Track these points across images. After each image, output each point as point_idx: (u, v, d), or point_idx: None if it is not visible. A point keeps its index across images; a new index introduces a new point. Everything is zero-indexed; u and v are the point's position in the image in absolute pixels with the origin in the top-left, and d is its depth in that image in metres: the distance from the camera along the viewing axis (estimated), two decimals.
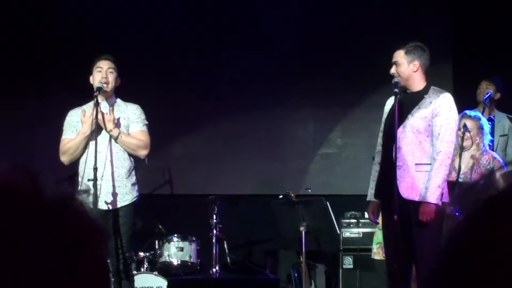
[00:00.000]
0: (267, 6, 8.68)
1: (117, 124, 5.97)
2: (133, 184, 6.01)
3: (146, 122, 6.12)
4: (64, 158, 6.04)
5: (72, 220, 0.91)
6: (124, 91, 6.15)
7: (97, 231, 0.94)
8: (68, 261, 0.88)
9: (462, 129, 6.13)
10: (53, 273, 0.87)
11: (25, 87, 8.40)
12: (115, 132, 5.91)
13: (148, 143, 6.05)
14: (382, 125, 5.82)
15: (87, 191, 0.98)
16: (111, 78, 5.95)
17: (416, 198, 5.46)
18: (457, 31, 8.48)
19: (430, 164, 5.48)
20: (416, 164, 5.50)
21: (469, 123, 6.27)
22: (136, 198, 6.01)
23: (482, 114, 6.82)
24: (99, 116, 5.82)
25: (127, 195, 5.95)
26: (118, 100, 6.12)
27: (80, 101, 6.17)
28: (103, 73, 5.93)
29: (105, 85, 5.88)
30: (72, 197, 0.94)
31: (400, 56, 5.62)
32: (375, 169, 5.81)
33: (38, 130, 8.23)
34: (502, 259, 0.81)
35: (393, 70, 5.64)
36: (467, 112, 6.40)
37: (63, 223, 0.90)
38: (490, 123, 6.78)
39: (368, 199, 5.82)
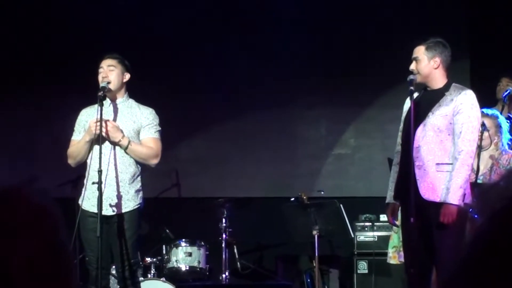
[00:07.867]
0: (281, 1, 8.66)
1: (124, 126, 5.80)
2: (136, 191, 5.81)
3: (159, 129, 5.91)
4: (70, 161, 5.93)
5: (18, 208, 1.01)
6: (129, 92, 6.00)
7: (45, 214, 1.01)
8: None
9: (480, 128, 5.98)
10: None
11: (28, 87, 8.35)
12: (124, 142, 5.72)
13: (159, 152, 5.86)
14: (401, 124, 5.68)
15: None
16: (112, 76, 5.79)
17: (437, 199, 5.31)
18: (475, 26, 8.44)
19: (451, 164, 5.32)
20: (437, 164, 5.36)
21: (487, 122, 6.18)
22: (138, 205, 5.83)
23: (501, 112, 6.77)
24: (103, 130, 5.61)
25: (129, 202, 5.77)
26: (131, 101, 5.94)
27: (84, 102, 6.06)
28: (103, 73, 5.81)
29: (107, 84, 5.73)
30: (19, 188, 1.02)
31: (420, 52, 5.47)
32: (395, 170, 5.67)
33: (40, 132, 8.19)
34: None
35: (412, 66, 5.50)
36: (484, 110, 6.28)
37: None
38: (508, 121, 6.66)
39: (387, 201, 5.67)
